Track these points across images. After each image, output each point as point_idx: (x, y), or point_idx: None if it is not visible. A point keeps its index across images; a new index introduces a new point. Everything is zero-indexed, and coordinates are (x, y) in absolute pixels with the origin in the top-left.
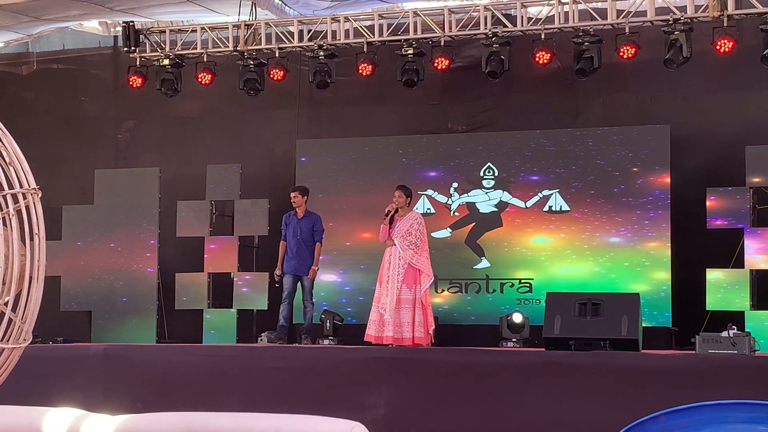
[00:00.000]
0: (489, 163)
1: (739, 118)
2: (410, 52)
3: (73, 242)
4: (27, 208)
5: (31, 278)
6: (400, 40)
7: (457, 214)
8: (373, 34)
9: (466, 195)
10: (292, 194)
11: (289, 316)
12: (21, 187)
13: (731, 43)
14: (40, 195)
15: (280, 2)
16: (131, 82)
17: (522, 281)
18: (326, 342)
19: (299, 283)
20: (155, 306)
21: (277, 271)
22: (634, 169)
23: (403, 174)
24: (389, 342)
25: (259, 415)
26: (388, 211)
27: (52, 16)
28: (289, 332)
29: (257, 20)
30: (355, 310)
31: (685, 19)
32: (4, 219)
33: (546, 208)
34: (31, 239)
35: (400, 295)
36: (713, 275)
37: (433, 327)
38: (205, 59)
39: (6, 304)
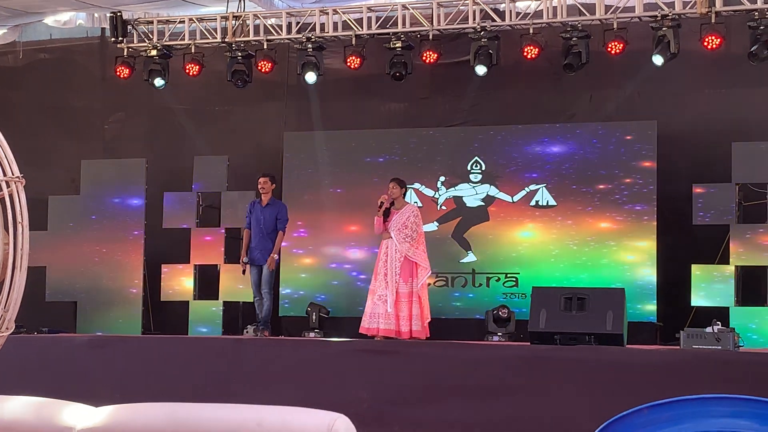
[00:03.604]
0: (476, 157)
1: (726, 115)
2: (398, 45)
3: (59, 232)
4: (10, 196)
5: (14, 267)
6: (388, 34)
7: (444, 207)
8: (362, 27)
9: (453, 189)
10: (261, 180)
11: None
12: (5, 175)
13: (719, 40)
14: (23, 183)
15: None
16: (118, 73)
17: (508, 275)
18: (312, 335)
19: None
20: (141, 297)
21: (244, 258)
22: (621, 165)
23: (391, 167)
24: (382, 334)
25: (243, 407)
26: (381, 202)
27: (34, 12)
28: (270, 324)
29: (245, 12)
30: (340, 303)
31: (673, 16)
32: None
33: (533, 203)
34: (15, 228)
35: (398, 289)
36: (698, 271)
37: (429, 320)
38: (192, 50)
39: None
